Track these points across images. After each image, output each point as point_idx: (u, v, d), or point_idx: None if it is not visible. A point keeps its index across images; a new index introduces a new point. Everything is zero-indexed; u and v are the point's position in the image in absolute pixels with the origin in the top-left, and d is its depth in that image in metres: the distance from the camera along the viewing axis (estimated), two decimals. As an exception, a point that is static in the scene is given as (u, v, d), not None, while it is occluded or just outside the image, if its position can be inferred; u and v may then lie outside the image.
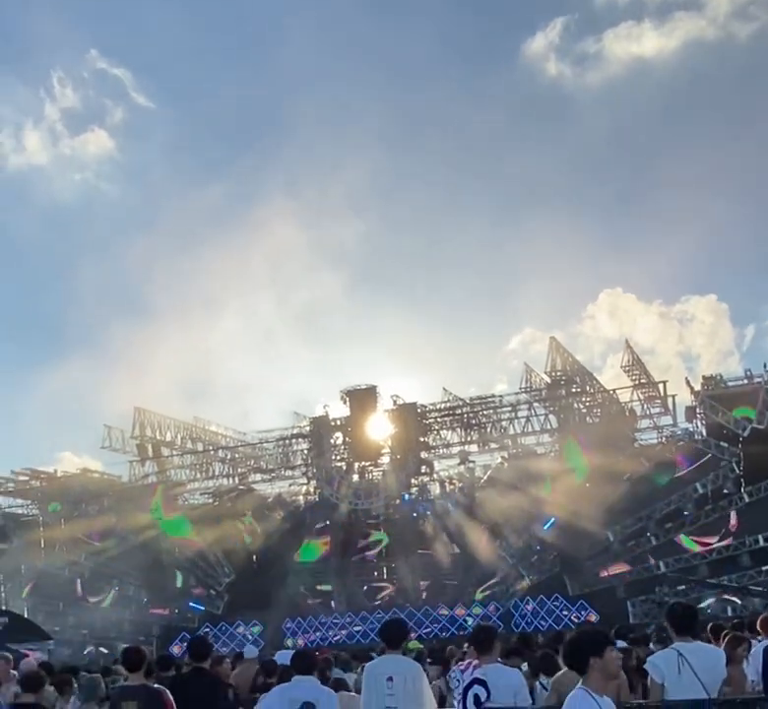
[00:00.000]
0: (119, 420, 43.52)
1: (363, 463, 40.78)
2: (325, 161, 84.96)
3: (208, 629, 36.49)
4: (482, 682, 6.70)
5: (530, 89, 76.44)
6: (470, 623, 31.83)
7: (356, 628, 35.53)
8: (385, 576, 41.10)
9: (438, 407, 40.20)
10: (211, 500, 43.36)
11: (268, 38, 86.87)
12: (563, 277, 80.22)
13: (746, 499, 33.75)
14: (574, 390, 38.51)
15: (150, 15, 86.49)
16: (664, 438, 38.21)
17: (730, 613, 31.02)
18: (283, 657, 11.43)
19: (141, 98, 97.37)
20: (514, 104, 77.68)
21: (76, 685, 10.64)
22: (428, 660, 13.29)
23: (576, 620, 31.35)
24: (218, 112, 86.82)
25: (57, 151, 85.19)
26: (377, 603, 38.88)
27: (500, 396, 39.89)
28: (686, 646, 6.04)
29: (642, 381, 37.78)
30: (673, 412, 37.47)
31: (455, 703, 7.02)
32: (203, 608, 39.70)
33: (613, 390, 38.52)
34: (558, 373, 38.53)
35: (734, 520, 33.94)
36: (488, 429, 39.74)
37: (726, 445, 34.55)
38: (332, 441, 40.75)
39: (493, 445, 40.17)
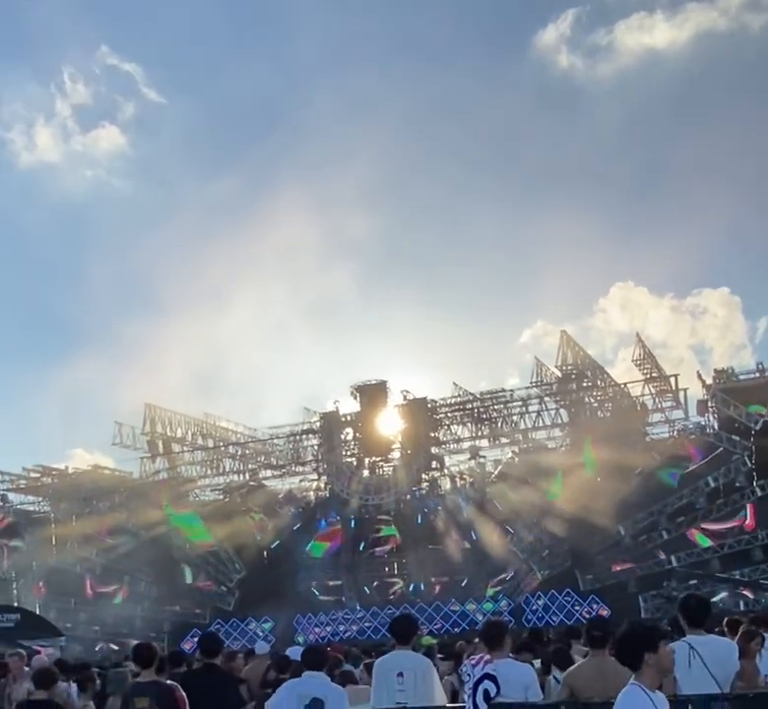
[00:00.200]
0: (130, 417, 43.76)
1: (374, 458, 40.82)
2: (337, 154, 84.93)
3: (219, 625, 36.63)
4: (493, 678, 6.65)
5: (541, 81, 76.04)
6: (481, 619, 31.81)
7: (367, 624, 35.66)
8: (396, 572, 41.08)
9: (449, 402, 40.17)
10: (221, 496, 43.47)
11: (280, 31, 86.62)
12: (575, 270, 79.76)
13: (758, 493, 33.62)
14: (585, 384, 38.40)
15: (159, 9, 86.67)
16: (675, 432, 38.12)
17: (742, 608, 30.97)
18: (294, 653, 11.41)
19: (152, 94, 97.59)
20: (526, 97, 77.27)
21: (98, 682, 10.71)
22: (440, 655, 13.21)
23: (587, 615, 31.27)
24: (229, 106, 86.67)
25: (68, 147, 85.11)
26: (388, 598, 38.89)
27: (511, 390, 39.93)
28: (698, 639, 5.97)
29: (654, 375, 37.69)
30: (685, 405, 37.45)
31: (465, 698, 6.95)
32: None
33: (625, 384, 38.40)
34: (569, 367, 38.45)
35: (750, 519, 33.70)
36: (499, 424, 39.67)
37: (738, 439, 34.38)
38: (342, 437, 40.80)
39: (504, 440, 40.12)
